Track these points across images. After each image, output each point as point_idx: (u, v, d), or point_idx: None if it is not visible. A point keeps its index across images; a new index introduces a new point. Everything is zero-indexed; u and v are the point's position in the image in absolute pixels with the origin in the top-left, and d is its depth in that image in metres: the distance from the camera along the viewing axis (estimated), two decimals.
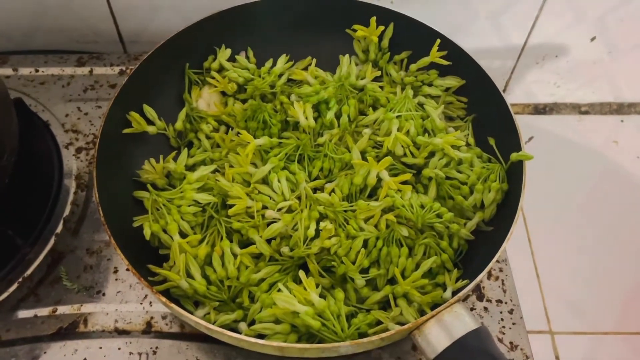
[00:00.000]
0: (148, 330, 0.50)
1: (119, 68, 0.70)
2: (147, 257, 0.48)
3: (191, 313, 0.43)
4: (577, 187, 0.79)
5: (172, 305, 0.40)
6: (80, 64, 0.70)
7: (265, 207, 0.49)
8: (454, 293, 0.46)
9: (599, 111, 0.83)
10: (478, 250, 0.49)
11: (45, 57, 0.70)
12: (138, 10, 0.70)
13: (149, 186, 0.50)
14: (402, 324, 0.44)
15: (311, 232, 0.47)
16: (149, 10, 0.70)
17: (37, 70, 0.69)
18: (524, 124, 0.76)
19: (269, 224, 0.48)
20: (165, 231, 0.48)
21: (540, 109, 0.82)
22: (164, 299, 0.41)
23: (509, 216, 0.47)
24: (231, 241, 0.48)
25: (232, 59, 0.60)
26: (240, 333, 0.41)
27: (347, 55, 0.59)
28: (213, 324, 0.43)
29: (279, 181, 0.50)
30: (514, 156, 0.49)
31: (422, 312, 0.46)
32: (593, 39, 0.73)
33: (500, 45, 0.74)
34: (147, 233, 0.47)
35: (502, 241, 0.45)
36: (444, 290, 0.46)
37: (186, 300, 0.46)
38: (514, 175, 0.50)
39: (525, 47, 0.73)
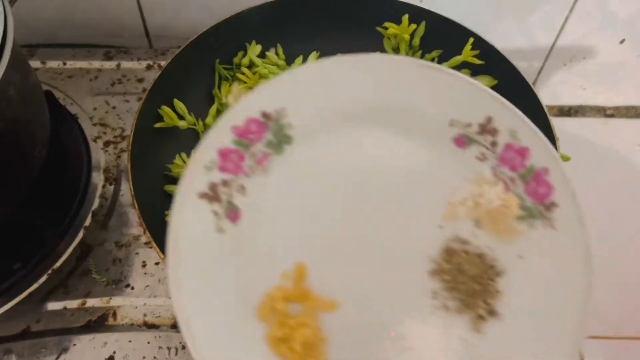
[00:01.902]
0: (177, 324, 0.50)
1: (146, 62, 0.70)
2: None
3: None
4: (601, 191, 0.79)
5: None
6: (107, 58, 0.70)
7: None
8: None
9: (625, 115, 0.82)
10: None
11: (72, 51, 0.71)
12: (165, 5, 0.70)
13: None
14: None
15: None
16: (176, 5, 0.70)
17: (64, 64, 0.69)
18: None
19: None
20: None
21: (565, 111, 0.81)
22: None
23: None
24: None
25: (262, 55, 0.60)
26: None
27: (377, 53, 0.59)
28: None
29: None
30: None
31: None
32: (622, 41, 0.73)
33: (528, 45, 0.73)
34: None
35: None
36: None
37: None
38: None
39: (553, 48, 0.73)
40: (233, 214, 0.28)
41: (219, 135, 0.28)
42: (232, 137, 0.28)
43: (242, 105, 0.28)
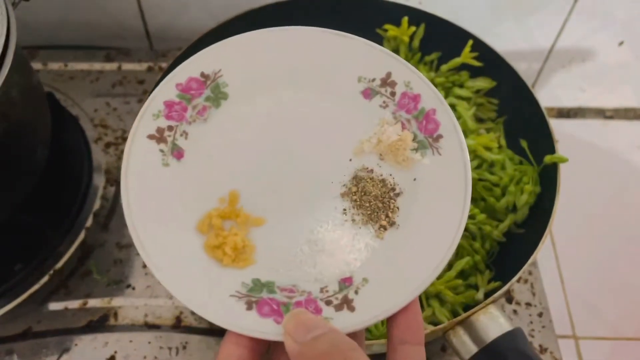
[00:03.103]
0: (178, 325, 0.51)
1: (146, 64, 0.70)
2: None
3: None
4: (601, 192, 0.79)
5: None
6: (108, 60, 0.70)
7: None
8: (486, 294, 0.46)
9: (624, 116, 0.82)
10: (509, 252, 0.49)
11: (74, 53, 0.71)
12: (166, 7, 0.71)
13: None
14: (434, 323, 0.44)
15: None
16: (177, 7, 0.71)
17: (66, 65, 0.69)
18: None
19: None
20: None
21: (564, 113, 0.81)
22: None
23: (541, 219, 0.47)
24: None
25: None
26: None
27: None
28: None
29: None
30: (548, 158, 0.48)
31: (454, 313, 0.46)
32: (621, 43, 0.73)
33: (527, 47, 0.74)
34: None
35: (536, 244, 0.45)
36: (476, 291, 0.46)
37: None
38: (546, 178, 0.50)
39: (552, 50, 0.73)
40: (177, 153, 0.34)
41: (165, 90, 0.34)
42: (176, 92, 0.34)
43: (184, 67, 0.35)
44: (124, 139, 0.62)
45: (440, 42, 0.58)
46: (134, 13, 0.71)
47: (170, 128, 0.34)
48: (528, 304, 0.53)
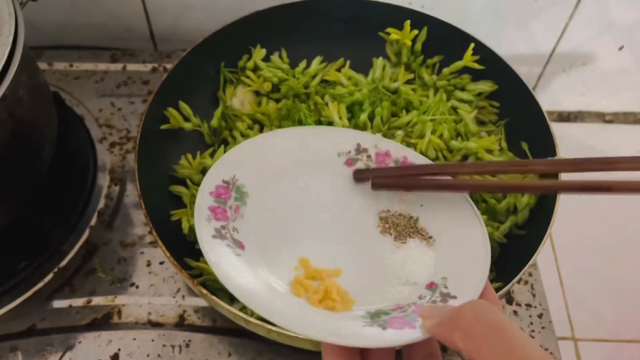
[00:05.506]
0: (181, 323, 0.51)
1: (151, 65, 0.71)
2: (182, 251, 0.48)
3: None
4: (600, 197, 0.79)
5: (213, 297, 0.41)
6: (113, 60, 0.71)
7: None
8: None
9: (624, 120, 0.83)
10: (509, 254, 0.50)
11: (79, 53, 0.71)
12: (171, 9, 0.71)
13: (188, 181, 0.51)
14: None
15: None
16: (182, 9, 0.71)
17: (71, 66, 0.70)
18: None
19: None
20: None
21: (564, 117, 0.82)
22: (204, 291, 0.41)
23: (542, 220, 0.48)
24: None
25: (266, 58, 0.61)
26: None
27: (380, 58, 0.60)
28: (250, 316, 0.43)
29: None
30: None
31: None
32: (621, 48, 0.74)
33: (528, 51, 0.74)
34: (185, 227, 0.48)
35: (537, 246, 0.45)
36: None
37: (222, 294, 0.46)
38: (547, 180, 0.50)
39: (553, 54, 0.74)
40: (239, 245, 0.39)
41: (204, 199, 0.40)
42: (212, 199, 0.40)
43: (211, 176, 0.41)
44: (129, 139, 0.63)
45: (442, 45, 0.59)
46: (139, 15, 0.72)
47: (223, 227, 0.39)
48: (528, 305, 0.53)
